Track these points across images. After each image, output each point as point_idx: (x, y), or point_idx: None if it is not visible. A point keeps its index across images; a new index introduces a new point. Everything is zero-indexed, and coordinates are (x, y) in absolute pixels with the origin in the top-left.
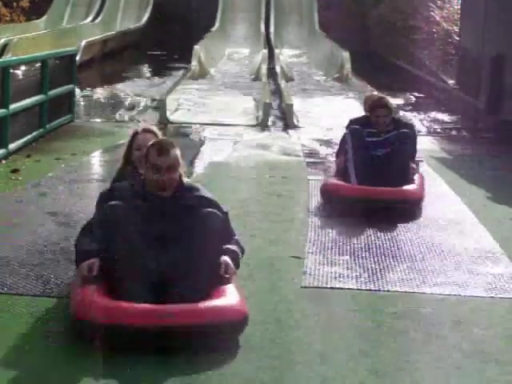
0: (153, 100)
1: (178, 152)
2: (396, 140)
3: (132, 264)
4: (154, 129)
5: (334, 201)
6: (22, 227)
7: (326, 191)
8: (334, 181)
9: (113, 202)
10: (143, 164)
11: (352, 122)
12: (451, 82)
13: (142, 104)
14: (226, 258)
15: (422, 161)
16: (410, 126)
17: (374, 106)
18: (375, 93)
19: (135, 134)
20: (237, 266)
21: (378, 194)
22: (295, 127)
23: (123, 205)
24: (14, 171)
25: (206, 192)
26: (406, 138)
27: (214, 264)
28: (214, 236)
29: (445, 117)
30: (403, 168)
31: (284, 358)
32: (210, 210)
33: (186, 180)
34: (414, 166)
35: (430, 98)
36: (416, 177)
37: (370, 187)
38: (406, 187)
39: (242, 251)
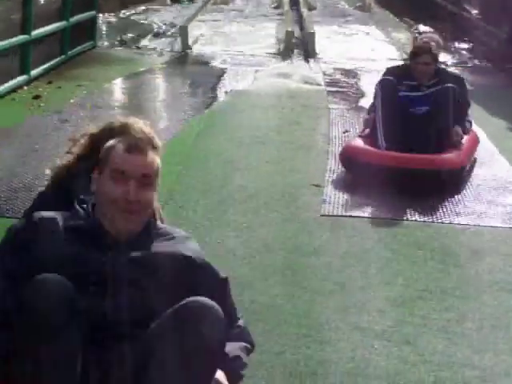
0: (174, 27)
1: (158, 159)
2: (439, 96)
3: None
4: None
5: (355, 168)
6: (44, 154)
7: (346, 155)
8: (357, 144)
9: (41, 277)
10: (96, 174)
11: (388, 70)
12: (474, 11)
13: (164, 31)
14: (218, 377)
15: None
16: (459, 80)
17: (416, 52)
18: (432, 35)
19: (117, 129)
20: (238, 378)
21: (407, 162)
22: (316, 56)
23: (60, 280)
24: (36, 97)
25: (192, 245)
26: (452, 93)
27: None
28: (207, 352)
29: (467, 47)
30: (445, 131)
31: (303, 285)
32: (204, 303)
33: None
34: (458, 129)
35: (453, 28)
36: (465, 141)
37: (399, 153)
38: (444, 155)
39: (249, 349)
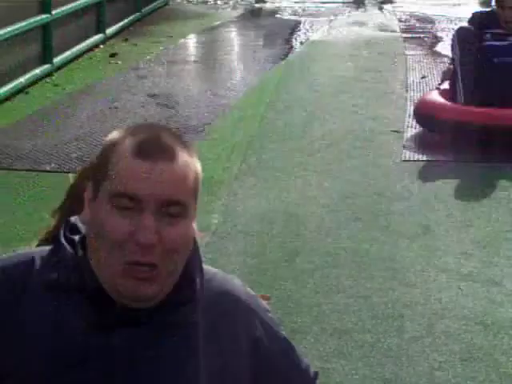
0: None
1: (196, 163)
2: None
3: None
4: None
5: (430, 124)
6: (124, 110)
7: (421, 110)
8: (433, 97)
9: None
10: (89, 194)
11: (474, 16)
12: None
13: None
14: None
15: None
16: None
17: None
18: None
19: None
20: None
21: (490, 118)
22: (391, 3)
23: None
24: (113, 55)
25: (258, 306)
26: None
27: None
28: None
29: None
30: None
31: (387, 229)
32: None
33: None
34: None
35: None
36: None
37: (482, 108)
38: None
39: None
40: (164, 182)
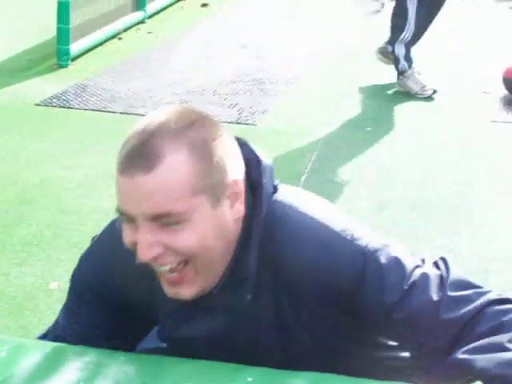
0: None
1: (190, 167)
2: None
3: None
4: None
5: None
6: (214, 59)
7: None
8: None
9: None
10: None
11: None
12: None
13: None
14: None
15: None
16: None
17: None
18: None
19: None
20: None
21: None
22: None
23: None
24: (204, 5)
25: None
26: None
27: None
28: None
29: None
30: None
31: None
32: None
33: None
34: None
35: None
36: None
37: None
38: None
39: None
40: (143, 197)
